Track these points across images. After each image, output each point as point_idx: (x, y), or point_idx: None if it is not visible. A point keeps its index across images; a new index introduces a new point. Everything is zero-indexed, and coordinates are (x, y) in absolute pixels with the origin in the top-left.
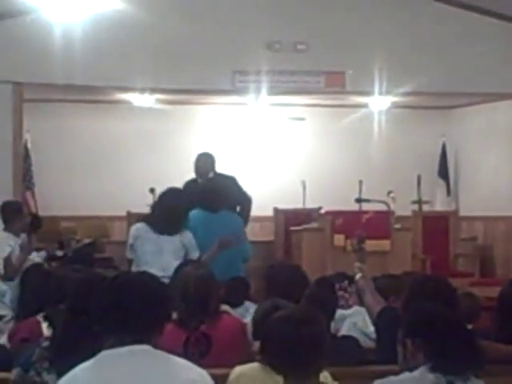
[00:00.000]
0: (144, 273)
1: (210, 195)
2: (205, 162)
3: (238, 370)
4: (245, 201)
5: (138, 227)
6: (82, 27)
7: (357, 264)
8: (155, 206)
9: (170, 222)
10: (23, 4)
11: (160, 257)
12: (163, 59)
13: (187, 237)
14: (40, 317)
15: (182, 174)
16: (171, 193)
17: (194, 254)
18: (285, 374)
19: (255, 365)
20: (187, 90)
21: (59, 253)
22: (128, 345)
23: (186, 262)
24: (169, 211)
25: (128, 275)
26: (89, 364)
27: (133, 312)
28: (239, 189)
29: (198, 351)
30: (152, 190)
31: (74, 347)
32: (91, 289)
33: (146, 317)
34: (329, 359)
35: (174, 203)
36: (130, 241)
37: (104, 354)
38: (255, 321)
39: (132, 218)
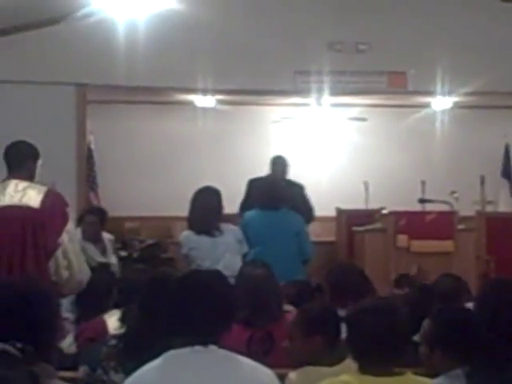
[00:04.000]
0: (213, 272)
1: (269, 193)
2: (281, 164)
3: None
4: (306, 211)
5: (188, 237)
6: (145, 29)
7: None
8: (190, 209)
9: (206, 222)
10: (86, 6)
11: (220, 259)
12: (225, 60)
13: (238, 232)
14: (106, 316)
15: (243, 175)
16: (202, 193)
17: (245, 249)
18: (369, 362)
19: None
20: (249, 90)
21: (123, 253)
22: (195, 345)
23: (247, 262)
24: (202, 211)
25: (196, 275)
26: (156, 363)
27: (200, 312)
28: (304, 199)
29: (261, 350)
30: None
31: (143, 346)
32: (163, 288)
33: (213, 317)
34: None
35: (207, 201)
36: (184, 251)
37: (171, 353)
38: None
39: None
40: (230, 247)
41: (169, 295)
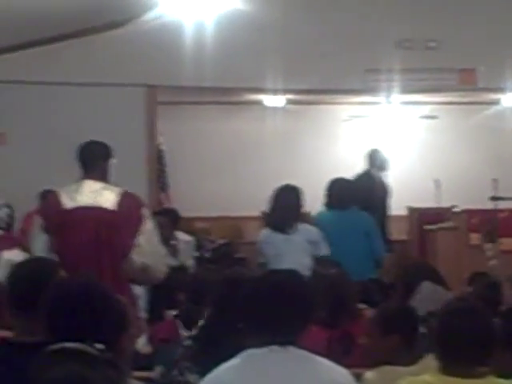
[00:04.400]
0: (291, 272)
1: (338, 193)
2: (378, 158)
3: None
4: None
5: (263, 233)
6: (212, 30)
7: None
8: (270, 207)
9: (285, 218)
10: (154, 8)
11: (288, 255)
12: (294, 59)
13: (311, 232)
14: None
15: (313, 174)
16: (283, 190)
17: (322, 251)
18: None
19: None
20: (319, 90)
21: (194, 253)
22: (272, 344)
23: (319, 261)
24: (282, 209)
25: (275, 275)
26: (233, 363)
27: (280, 312)
28: (383, 202)
29: (340, 350)
30: None
31: (217, 346)
32: (236, 288)
33: (292, 317)
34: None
35: (288, 199)
36: (259, 246)
37: (248, 353)
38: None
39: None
40: (299, 246)
41: (246, 295)
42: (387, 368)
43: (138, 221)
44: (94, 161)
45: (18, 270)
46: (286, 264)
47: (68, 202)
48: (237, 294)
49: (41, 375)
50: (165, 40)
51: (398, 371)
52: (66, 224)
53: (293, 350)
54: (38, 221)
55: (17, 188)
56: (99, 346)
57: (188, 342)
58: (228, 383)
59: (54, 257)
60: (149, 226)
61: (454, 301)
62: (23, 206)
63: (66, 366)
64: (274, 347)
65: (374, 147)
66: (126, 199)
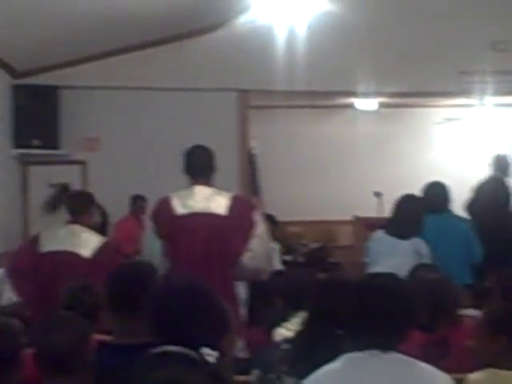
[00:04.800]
0: (392, 275)
1: (435, 196)
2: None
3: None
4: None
5: (377, 232)
6: (304, 32)
7: None
8: (394, 210)
9: (405, 225)
10: (246, 12)
11: (392, 258)
12: (386, 62)
13: (420, 244)
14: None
15: (406, 178)
16: (409, 198)
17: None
18: None
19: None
20: (411, 92)
21: (287, 257)
22: (373, 349)
23: (419, 265)
24: (405, 215)
25: (377, 279)
26: (333, 366)
27: (382, 316)
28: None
29: (436, 354)
30: (377, 194)
31: (315, 350)
32: (334, 292)
33: (394, 321)
34: None
35: (412, 208)
36: (368, 243)
37: (349, 356)
38: None
39: (358, 222)
40: (405, 255)
41: (348, 299)
42: (493, 371)
43: (250, 225)
44: (203, 166)
45: (117, 274)
46: (387, 267)
47: (179, 208)
48: (335, 298)
49: (143, 377)
50: (256, 44)
51: (503, 375)
52: (177, 231)
53: (394, 355)
54: (150, 225)
55: (110, 193)
56: (208, 351)
57: (285, 346)
58: None
59: (167, 261)
60: (261, 230)
61: None
62: (116, 211)
63: (167, 369)
64: (375, 351)
65: (500, 152)
66: (238, 204)
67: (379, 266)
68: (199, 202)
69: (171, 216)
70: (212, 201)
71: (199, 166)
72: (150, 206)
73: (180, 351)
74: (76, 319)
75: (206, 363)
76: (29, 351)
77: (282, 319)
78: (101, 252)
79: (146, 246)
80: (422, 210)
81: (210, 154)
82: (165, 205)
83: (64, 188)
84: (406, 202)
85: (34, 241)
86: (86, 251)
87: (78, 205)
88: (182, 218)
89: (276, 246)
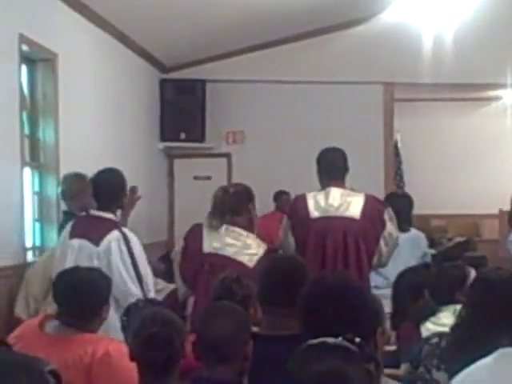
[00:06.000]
0: None
1: None
2: None
3: None
4: None
5: None
6: (450, 26)
7: None
8: None
9: None
10: (392, 5)
11: None
12: None
13: None
14: None
15: None
16: None
17: None
18: None
19: None
20: None
21: (431, 251)
22: None
23: None
24: None
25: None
26: (486, 361)
27: None
28: None
29: None
30: None
31: (468, 344)
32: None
33: None
34: None
35: None
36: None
37: (503, 352)
38: None
39: (504, 216)
40: None
41: (503, 293)
42: None
43: (381, 227)
44: (338, 169)
45: (269, 268)
46: None
47: (314, 211)
48: (492, 293)
49: (301, 369)
50: (401, 37)
51: None
52: (311, 233)
53: None
54: (287, 223)
55: (254, 186)
56: (358, 339)
57: (435, 340)
58: (481, 382)
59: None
60: (389, 229)
61: None
62: (260, 205)
63: (327, 360)
64: None
65: None
66: (371, 205)
67: None
68: (334, 205)
69: (306, 218)
70: (347, 203)
71: (334, 169)
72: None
73: (339, 343)
74: (237, 309)
75: (365, 354)
76: (189, 338)
77: (431, 313)
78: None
79: (284, 241)
80: None
81: (343, 155)
82: (301, 205)
83: None
84: None
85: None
86: (249, 260)
87: (237, 204)
88: (316, 221)
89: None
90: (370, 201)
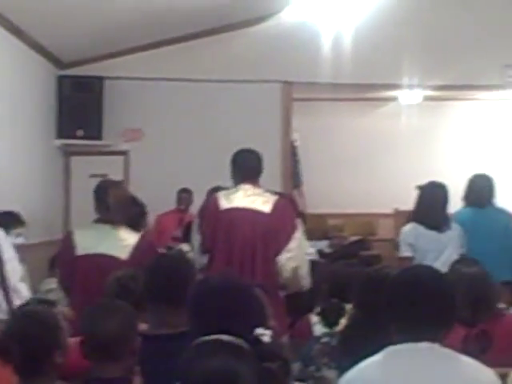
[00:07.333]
0: (431, 268)
1: (478, 190)
2: None
3: None
4: None
5: (412, 227)
6: (349, 26)
7: None
8: (416, 202)
9: (433, 216)
10: (291, 4)
11: (441, 254)
12: (431, 54)
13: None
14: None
15: (448, 170)
16: (430, 187)
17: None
18: None
19: None
20: (456, 85)
21: (327, 250)
22: (416, 341)
23: (457, 259)
24: (429, 205)
25: (415, 271)
26: (376, 359)
27: (422, 310)
28: None
29: (477, 348)
30: (419, 187)
31: (359, 343)
32: (378, 285)
33: (435, 315)
34: None
35: (434, 197)
36: (410, 240)
37: (391, 349)
38: None
39: (399, 215)
40: (453, 243)
41: (388, 293)
42: None
43: (292, 228)
44: (252, 169)
45: (153, 266)
46: (432, 261)
47: (225, 203)
48: (379, 291)
49: (191, 366)
50: (301, 36)
51: None
52: (219, 222)
53: (437, 348)
54: (195, 220)
55: (151, 185)
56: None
57: (325, 339)
58: (370, 379)
59: (203, 258)
60: (299, 234)
61: None
62: (157, 204)
63: (218, 358)
64: (418, 344)
65: None
66: (282, 204)
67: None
68: (244, 198)
69: (216, 211)
70: (257, 198)
71: (248, 169)
72: (196, 198)
73: (229, 340)
74: (123, 306)
75: (261, 344)
76: (73, 339)
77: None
78: (137, 250)
79: (191, 238)
80: (445, 196)
81: (258, 157)
82: (212, 201)
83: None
84: (427, 191)
85: (68, 243)
86: (122, 252)
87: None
88: (226, 211)
89: (313, 251)
90: (282, 200)
